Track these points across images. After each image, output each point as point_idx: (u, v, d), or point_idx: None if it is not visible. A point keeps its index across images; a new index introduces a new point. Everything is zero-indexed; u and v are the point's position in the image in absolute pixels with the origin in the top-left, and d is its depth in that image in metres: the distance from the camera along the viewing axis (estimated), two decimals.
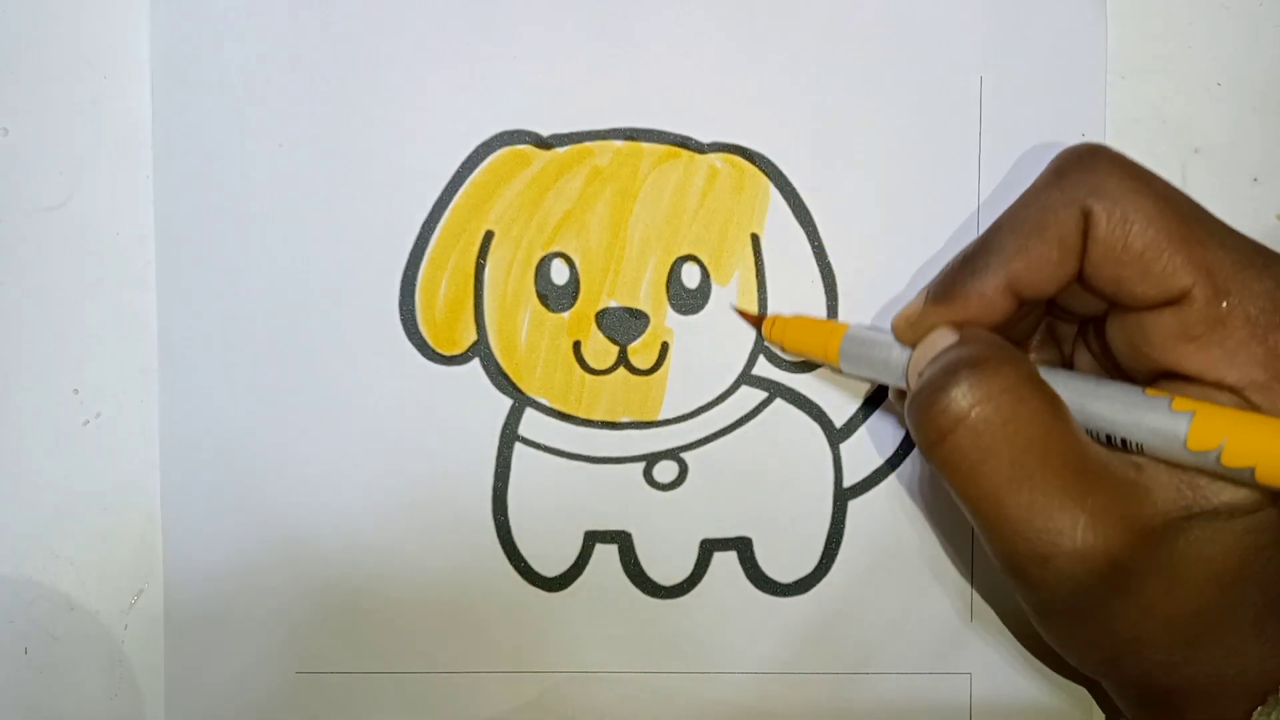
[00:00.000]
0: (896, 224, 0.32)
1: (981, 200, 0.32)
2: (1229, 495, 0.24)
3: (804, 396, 0.32)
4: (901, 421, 0.32)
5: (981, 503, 0.24)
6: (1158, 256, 0.24)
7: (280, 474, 0.32)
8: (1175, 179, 0.32)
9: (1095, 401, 0.25)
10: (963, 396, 0.24)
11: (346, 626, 0.33)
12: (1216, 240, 0.24)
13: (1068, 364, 0.30)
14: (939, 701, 0.33)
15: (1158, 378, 0.25)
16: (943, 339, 0.26)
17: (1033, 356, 0.30)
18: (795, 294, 0.32)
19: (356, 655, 0.33)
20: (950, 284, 0.27)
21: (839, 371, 0.31)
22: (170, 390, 0.32)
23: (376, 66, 0.32)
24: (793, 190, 0.32)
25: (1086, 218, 0.25)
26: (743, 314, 0.32)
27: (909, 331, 0.28)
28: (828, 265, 0.32)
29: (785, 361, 0.32)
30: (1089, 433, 0.25)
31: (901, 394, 0.30)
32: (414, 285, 0.32)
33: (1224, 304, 0.24)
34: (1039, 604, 0.26)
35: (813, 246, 0.32)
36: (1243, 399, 0.24)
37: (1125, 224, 0.24)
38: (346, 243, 0.32)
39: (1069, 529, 0.23)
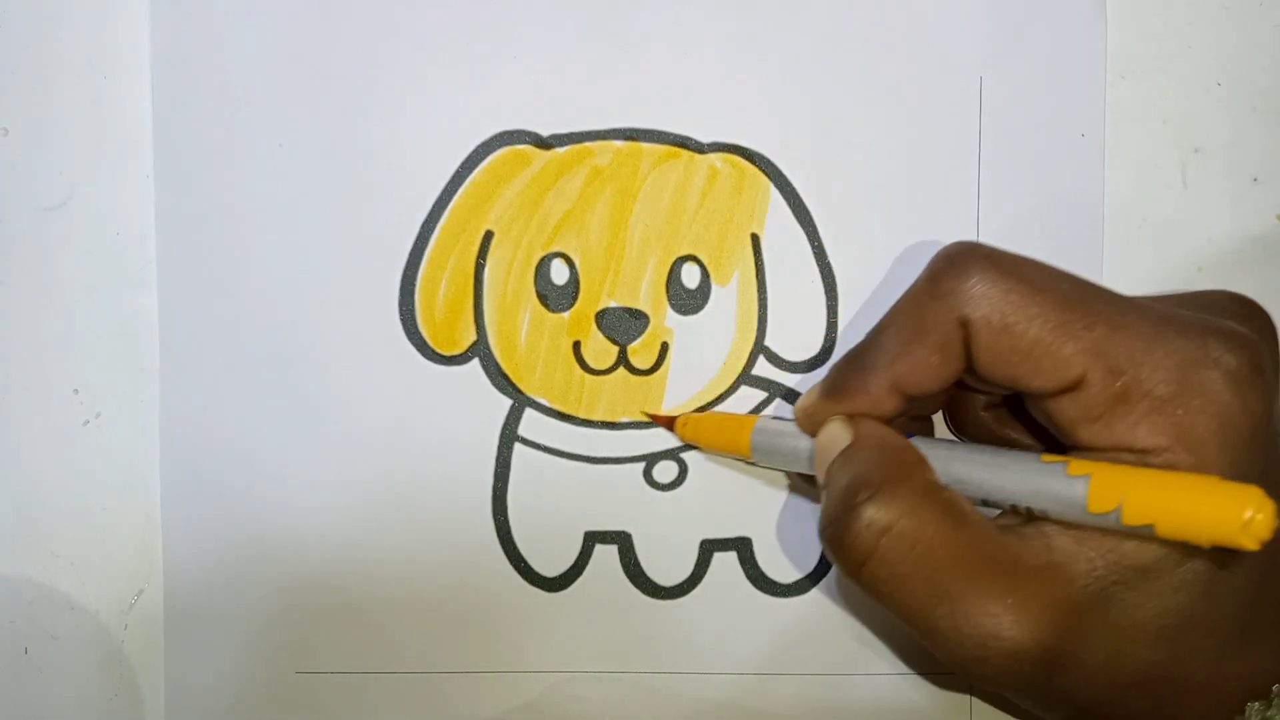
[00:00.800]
0: (896, 224, 0.32)
1: (981, 200, 0.32)
2: (1147, 556, 0.24)
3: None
4: (816, 499, 0.32)
5: (910, 619, 0.25)
6: (1045, 352, 0.24)
7: (280, 474, 0.32)
8: (1175, 179, 0.33)
9: (994, 474, 0.25)
10: (866, 529, 0.25)
11: (346, 626, 0.33)
12: (1103, 320, 0.24)
13: (986, 433, 0.30)
14: (938, 701, 0.33)
15: (1077, 449, 0.25)
16: (837, 434, 0.27)
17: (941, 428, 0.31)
18: (795, 294, 0.32)
19: (356, 655, 0.33)
20: (840, 380, 0.27)
21: (753, 464, 0.31)
22: (170, 390, 0.32)
23: (376, 66, 0.32)
24: (793, 190, 0.32)
25: (964, 326, 0.25)
26: (653, 417, 0.32)
27: (808, 423, 0.29)
28: (828, 265, 0.32)
29: (785, 361, 0.32)
30: (994, 503, 0.26)
31: (811, 480, 0.30)
32: (414, 285, 0.32)
33: (1119, 383, 0.24)
34: (990, 691, 0.27)
35: (813, 246, 0.32)
36: (1149, 462, 0.24)
37: (1006, 328, 0.24)
38: (346, 243, 0.32)
39: (995, 629, 0.24)
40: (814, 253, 0.32)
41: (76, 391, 0.33)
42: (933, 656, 0.32)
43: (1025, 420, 0.29)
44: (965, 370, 0.26)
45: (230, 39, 0.32)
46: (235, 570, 0.32)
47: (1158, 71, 0.32)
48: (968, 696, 0.32)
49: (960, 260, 0.25)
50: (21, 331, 0.32)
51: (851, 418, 0.27)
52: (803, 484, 0.32)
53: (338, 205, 0.32)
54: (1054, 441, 0.27)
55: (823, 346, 0.32)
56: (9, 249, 0.32)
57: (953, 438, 0.27)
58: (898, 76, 0.32)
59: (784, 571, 0.33)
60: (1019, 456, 0.25)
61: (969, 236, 0.32)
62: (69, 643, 0.33)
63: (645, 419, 0.32)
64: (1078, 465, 0.24)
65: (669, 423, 0.32)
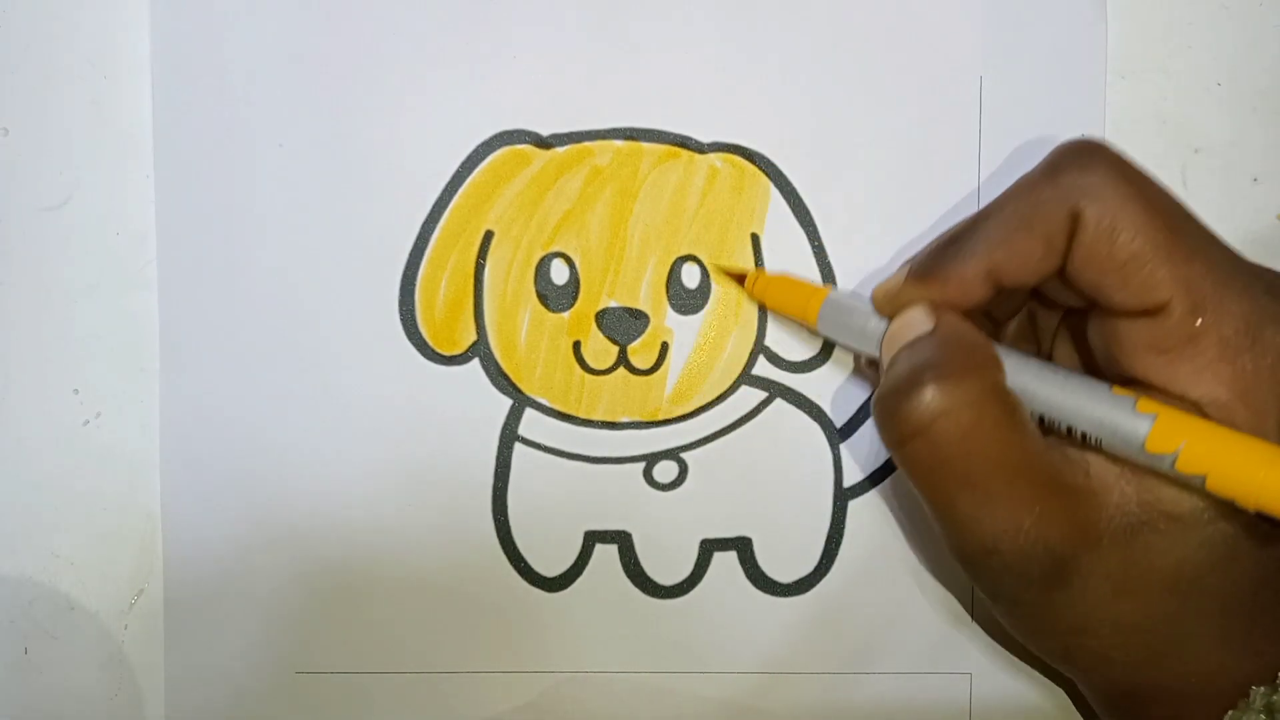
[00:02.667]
0: (896, 224, 0.32)
1: (981, 200, 0.32)
2: (1182, 507, 0.24)
3: (804, 396, 0.32)
4: (871, 383, 0.32)
5: (936, 500, 0.26)
6: (1139, 269, 0.24)
7: (280, 474, 0.32)
8: (1175, 179, 0.32)
9: (1060, 394, 0.25)
10: (925, 407, 0.25)
11: (346, 626, 0.33)
12: (1201, 255, 0.24)
13: (1047, 353, 0.30)
14: (939, 701, 0.33)
15: (1127, 381, 0.26)
16: (917, 320, 0.27)
17: (1010, 339, 0.30)
18: None
19: (356, 655, 0.33)
20: (932, 263, 0.27)
21: (815, 333, 0.31)
22: (170, 390, 0.32)
23: (376, 66, 0.32)
24: (793, 190, 0.32)
25: (1075, 219, 0.25)
26: (725, 270, 0.32)
27: (887, 305, 0.28)
28: (828, 265, 0.32)
29: (785, 361, 0.32)
30: (1051, 424, 0.26)
31: (872, 362, 0.30)
32: (414, 285, 0.32)
33: (1198, 321, 0.24)
34: (986, 589, 0.27)
35: (813, 246, 0.32)
36: (1202, 414, 0.24)
37: (1112, 232, 0.24)
38: (346, 243, 0.32)
39: (1013, 530, 0.24)
40: (814, 253, 0.32)
41: (76, 391, 0.33)
42: (932, 656, 0.32)
43: (1072, 353, 0.29)
44: (1058, 272, 0.26)
45: (230, 39, 0.32)
46: (235, 570, 0.32)
47: (1158, 71, 0.32)
48: (967, 697, 0.32)
49: (1086, 154, 0.25)
50: (21, 331, 0.32)
51: (934, 306, 0.27)
52: (867, 368, 0.32)
53: (338, 205, 0.32)
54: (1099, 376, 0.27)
55: (823, 346, 0.32)
56: (9, 249, 0.32)
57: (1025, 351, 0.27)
58: (898, 76, 0.32)
59: (784, 571, 0.33)
60: (1090, 383, 0.25)
61: None
62: (69, 643, 0.33)
63: (646, 419, 0.32)
64: (1146, 403, 0.24)
65: (740, 276, 0.32)
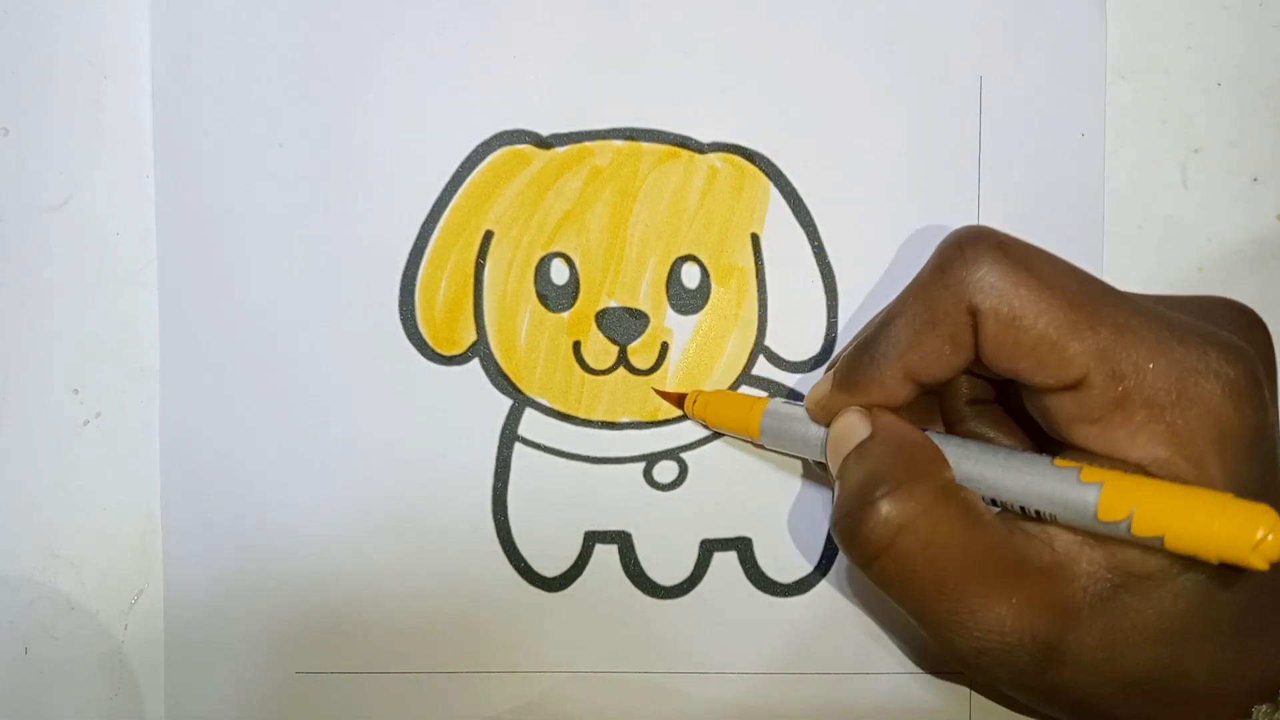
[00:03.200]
0: (896, 224, 0.32)
1: (981, 200, 0.32)
2: (1150, 565, 0.24)
3: (804, 396, 0.32)
4: (825, 484, 0.32)
5: (915, 611, 0.26)
6: (1049, 350, 0.24)
7: (280, 474, 0.32)
8: (1175, 179, 0.33)
9: (1005, 476, 0.25)
10: (882, 525, 0.25)
11: (346, 626, 0.33)
12: (1107, 322, 0.24)
13: (1001, 400, 0.30)
14: (939, 701, 0.33)
15: (1073, 448, 0.26)
16: (854, 426, 0.27)
17: (966, 411, 0.30)
18: (795, 294, 0.32)
19: (356, 655, 0.33)
20: (852, 371, 0.27)
21: (761, 447, 0.31)
22: (170, 390, 0.32)
23: (376, 66, 0.32)
24: (793, 190, 0.32)
25: (974, 315, 0.25)
26: (662, 394, 0.32)
27: (821, 413, 0.29)
28: (828, 265, 0.32)
29: (785, 361, 0.32)
30: (1002, 505, 0.26)
31: (821, 465, 0.30)
32: (414, 285, 0.32)
33: (1120, 388, 0.24)
34: (984, 683, 0.28)
35: (813, 246, 0.32)
36: (1147, 475, 0.24)
37: (1013, 320, 0.24)
38: (346, 243, 0.32)
39: (996, 624, 0.24)
40: (814, 253, 0.32)
41: (76, 391, 0.33)
42: (933, 656, 0.32)
43: (1008, 419, 0.29)
44: (973, 361, 0.26)
45: (230, 39, 0.32)
46: (235, 570, 0.32)
47: (1158, 71, 0.32)
48: (968, 697, 0.32)
49: (970, 247, 0.25)
50: (21, 331, 0.32)
51: (867, 409, 0.27)
52: (814, 469, 0.32)
53: (338, 205, 0.32)
54: (1039, 442, 0.27)
55: (823, 346, 0.32)
56: (9, 249, 0.32)
57: (962, 437, 0.27)
58: (898, 76, 0.32)
59: (784, 571, 0.33)
60: (1031, 459, 0.25)
61: None
62: (69, 643, 0.33)
63: (646, 419, 0.32)
64: (1090, 472, 0.24)
65: (678, 399, 0.32)
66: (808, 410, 0.29)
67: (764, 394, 0.32)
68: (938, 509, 0.25)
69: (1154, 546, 0.23)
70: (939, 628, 0.25)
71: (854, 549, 0.26)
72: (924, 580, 0.25)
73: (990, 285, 0.24)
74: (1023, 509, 0.25)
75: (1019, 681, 0.26)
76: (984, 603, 0.24)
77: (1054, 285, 0.24)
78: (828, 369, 0.31)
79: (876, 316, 0.28)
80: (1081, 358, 0.24)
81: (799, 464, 0.32)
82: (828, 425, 0.28)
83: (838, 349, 0.32)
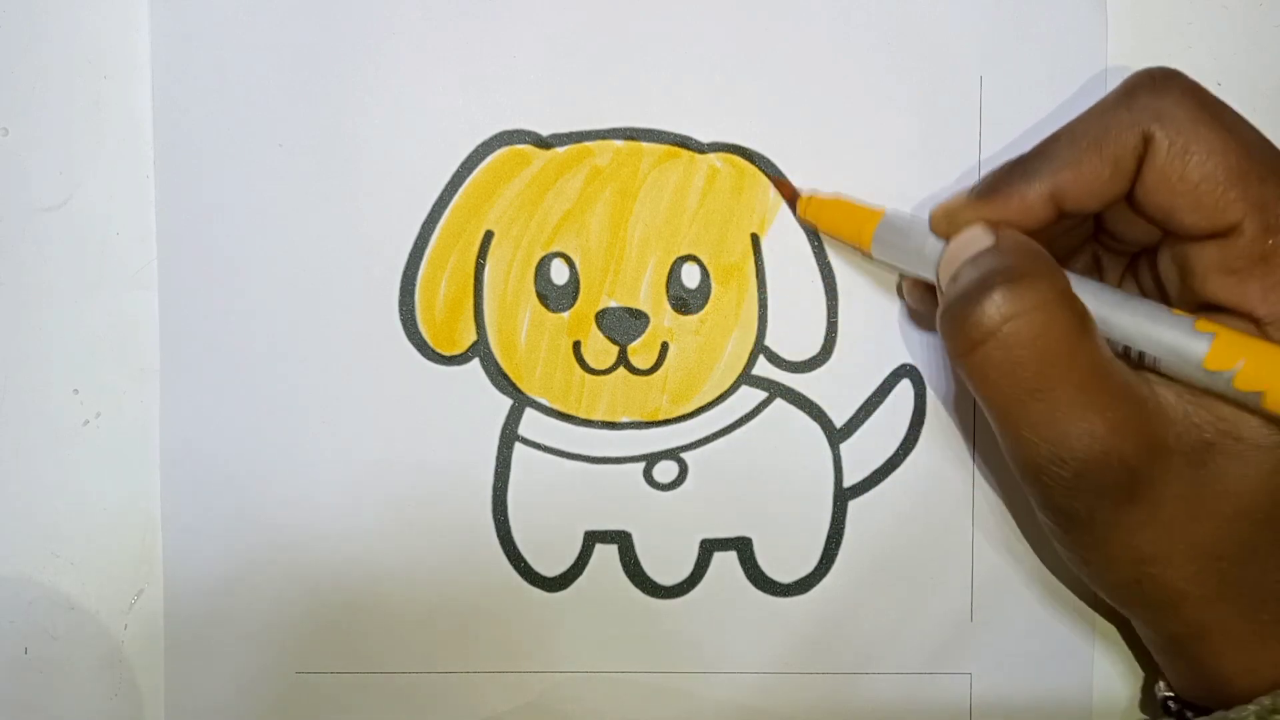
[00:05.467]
0: None
1: None
2: (1246, 429, 0.24)
3: (804, 396, 0.32)
4: (918, 325, 0.32)
5: (1005, 409, 0.25)
6: (1212, 189, 0.24)
7: (280, 474, 0.32)
8: None
9: (1120, 314, 0.25)
10: (995, 310, 0.24)
11: (346, 627, 0.33)
12: (1275, 177, 0.24)
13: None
14: (939, 701, 0.33)
15: (1198, 310, 0.26)
16: (978, 238, 0.27)
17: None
18: (795, 294, 0.32)
19: (356, 656, 0.33)
20: (995, 183, 0.27)
21: (869, 257, 0.30)
22: (170, 390, 0.32)
23: (376, 67, 0.32)
24: (793, 190, 0.32)
25: (1147, 142, 0.25)
26: (777, 183, 0.32)
27: (946, 224, 0.28)
28: (827, 265, 0.32)
29: (785, 361, 0.32)
30: (1112, 342, 0.26)
31: (918, 285, 0.30)
32: (414, 285, 0.32)
33: (1270, 241, 0.24)
34: (1056, 510, 0.26)
35: (813, 246, 0.32)
36: (1265, 334, 0.24)
37: (1185, 154, 0.24)
38: (346, 243, 0.32)
39: (1087, 434, 0.24)
40: (814, 252, 0.32)
41: (76, 391, 0.33)
42: (933, 656, 0.32)
43: (1152, 292, 0.29)
44: (1123, 196, 0.26)
45: (230, 39, 0.32)
46: (235, 570, 0.32)
47: None
48: (967, 697, 0.32)
49: (1161, 79, 0.25)
50: (21, 331, 0.32)
51: (994, 224, 0.27)
52: (914, 290, 0.31)
53: (338, 205, 0.32)
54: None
55: (822, 346, 0.32)
56: (9, 249, 0.32)
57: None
58: (898, 76, 0.32)
59: (784, 571, 0.33)
60: (1148, 303, 0.25)
61: None
62: (69, 643, 0.33)
63: (646, 419, 0.32)
64: (1205, 323, 0.24)
65: (791, 194, 0.32)
66: (931, 219, 0.29)
67: (881, 207, 0.31)
68: (1055, 307, 0.24)
69: (1252, 406, 0.23)
70: (1026, 429, 0.25)
71: (960, 333, 0.25)
72: (1025, 373, 0.24)
73: (1172, 115, 0.25)
74: (1127, 351, 0.25)
75: (1093, 508, 0.25)
76: (1081, 409, 0.24)
77: (1233, 130, 0.25)
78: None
79: (1039, 143, 0.27)
80: (1240, 204, 0.24)
81: (799, 463, 0.32)
82: (948, 238, 0.28)
83: (838, 348, 0.32)
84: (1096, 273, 0.30)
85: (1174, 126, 0.25)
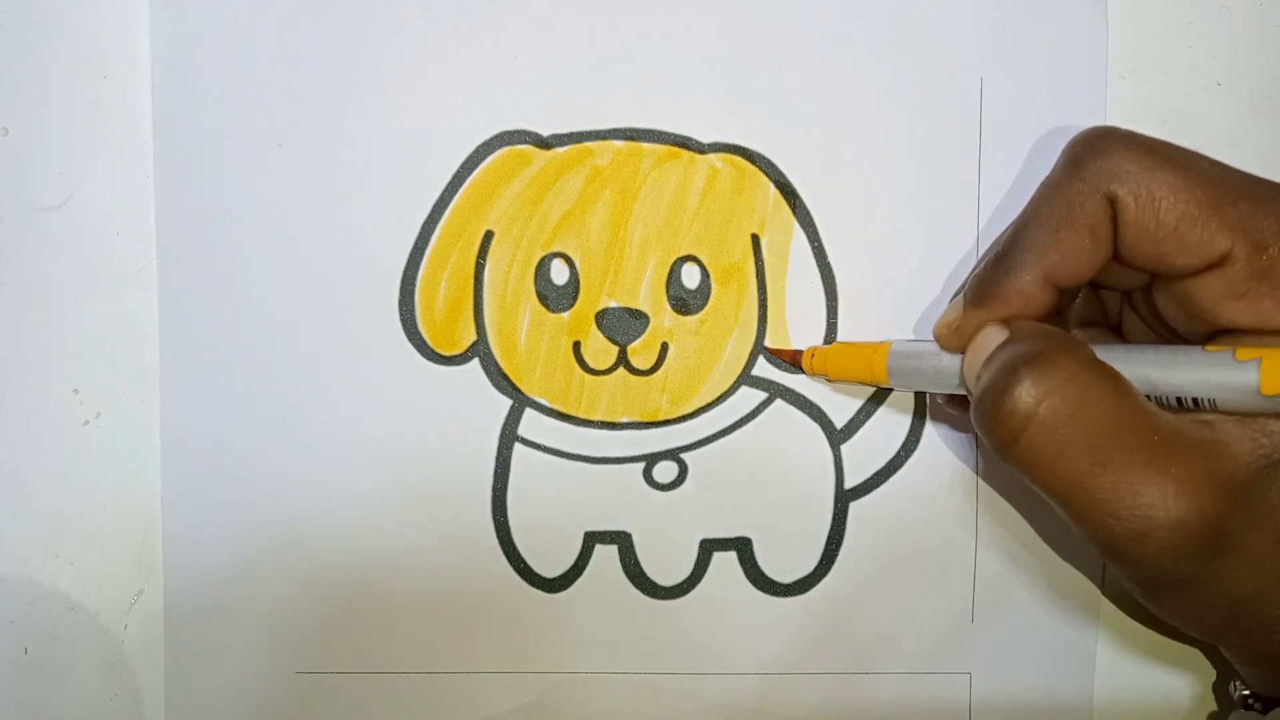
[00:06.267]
0: (896, 224, 0.32)
1: (981, 200, 0.32)
2: None
3: (804, 397, 0.32)
4: (956, 426, 0.32)
5: (1067, 493, 0.24)
6: (1191, 227, 0.24)
7: (280, 474, 0.32)
8: None
9: (1158, 369, 0.25)
10: (1027, 394, 0.24)
11: (346, 626, 0.33)
12: (1244, 195, 0.24)
13: (1115, 329, 0.30)
14: (939, 701, 0.33)
15: (1211, 336, 0.26)
16: (993, 337, 0.26)
17: (1079, 334, 0.30)
18: (795, 294, 0.32)
19: (356, 655, 0.33)
20: (988, 285, 0.27)
21: (889, 389, 0.31)
22: (170, 390, 0.32)
23: (376, 66, 0.32)
24: (793, 190, 0.32)
25: (1113, 203, 0.25)
26: (776, 352, 0.32)
27: (954, 339, 0.28)
28: (828, 265, 0.32)
29: (785, 362, 0.32)
30: (1156, 401, 0.25)
31: (952, 399, 0.30)
32: (414, 285, 0.32)
33: (1264, 256, 0.24)
34: (1145, 580, 0.25)
35: (813, 246, 0.32)
36: None
37: (1153, 202, 0.24)
38: (346, 243, 0.32)
39: (1160, 500, 0.23)
40: (814, 253, 0.32)
41: (76, 391, 0.33)
42: (933, 656, 0.32)
43: (1118, 339, 0.29)
44: (1111, 258, 0.26)
45: (230, 39, 0.32)
46: (235, 570, 0.32)
47: (1158, 71, 0.32)
48: (967, 697, 0.32)
49: (1100, 141, 0.25)
50: (21, 331, 0.32)
51: (1004, 322, 0.27)
52: (947, 406, 0.32)
53: (338, 205, 0.32)
54: (1179, 341, 0.26)
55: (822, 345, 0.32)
56: (9, 249, 0.32)
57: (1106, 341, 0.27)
58: (898, 76, 0.32)
59: (784, 571, 0.33)
60: (1181, 349, 0.25)
61: (969, 237, 0.32)
62: (69, 643, 0.33)
63: (646, 419, 0.32)
64: (1245, 351, 0.24)
65: (794, 357, 0.32)
66: (937, 338, 0.28)
67: (882, 340, 0.31)
68: (1085, 375, 0.24)
69: None
70: (1094, 511, 0.24)
71: (998, 425, 0.24)
72: (1076, 453, 0.24)
73: (1126, 170, 0.25)
74: (1179, 400, 0.25)
75: (1183, 571, 0.24)
76: (1144, 473, 0.23)
77: (1188, 166, 0.25)
78: (953, 298, 0.30)
79: (1000, 236, 0.27)
80: (1223, 232, 0.24)
81: (799, 464, 0.32)
82: (961, 351, 0.28)
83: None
84: (1098, 313, 0.30)
85: (1132, 181, 0.25)
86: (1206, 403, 0.25)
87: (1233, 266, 0.24)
